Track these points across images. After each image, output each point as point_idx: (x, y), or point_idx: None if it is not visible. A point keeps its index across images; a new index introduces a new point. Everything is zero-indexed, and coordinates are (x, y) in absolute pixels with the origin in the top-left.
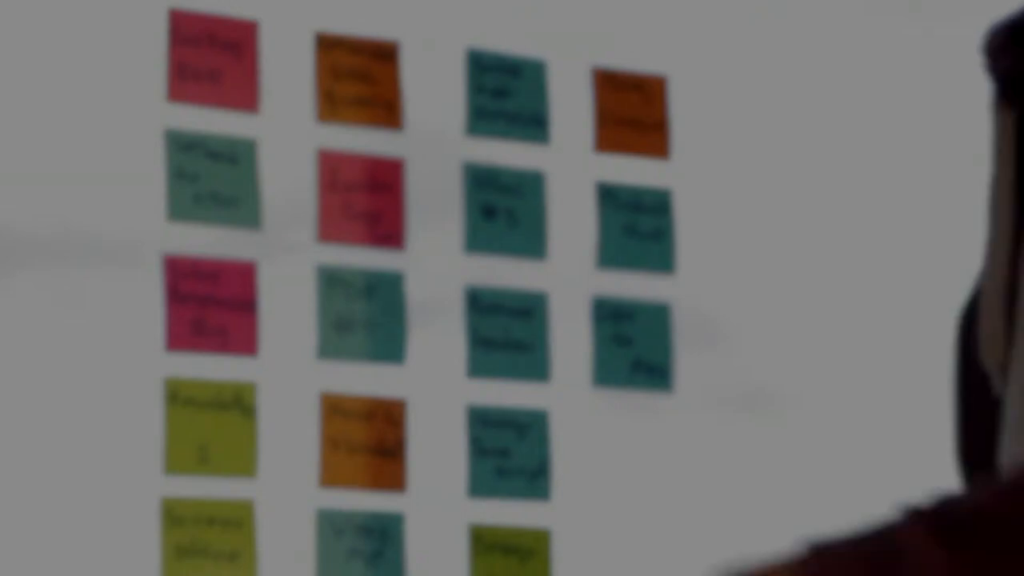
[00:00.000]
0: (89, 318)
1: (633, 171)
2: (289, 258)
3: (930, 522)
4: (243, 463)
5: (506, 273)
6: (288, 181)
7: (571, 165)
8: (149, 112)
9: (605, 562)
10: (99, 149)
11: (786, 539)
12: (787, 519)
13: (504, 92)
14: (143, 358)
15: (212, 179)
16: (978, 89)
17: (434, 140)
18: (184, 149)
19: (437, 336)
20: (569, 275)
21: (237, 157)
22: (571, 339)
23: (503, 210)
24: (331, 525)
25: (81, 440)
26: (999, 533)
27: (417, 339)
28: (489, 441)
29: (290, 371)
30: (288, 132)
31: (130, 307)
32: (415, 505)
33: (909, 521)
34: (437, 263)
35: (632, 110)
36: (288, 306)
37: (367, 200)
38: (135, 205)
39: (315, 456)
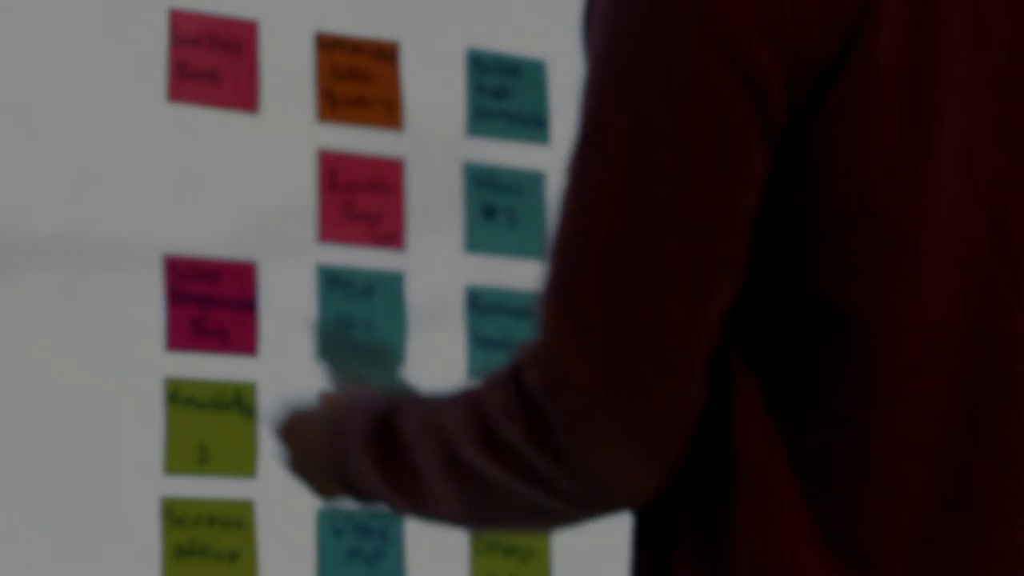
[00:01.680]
0: (89, 318)
1: None
2: (289, 258)
3: None
4: (243, 463)
5: (506, 273)
6: (288, 181)
7: None
8: (149, 112)
9: (605, 562)
10: (99, 149)
11: None
12: None
13: (504, 92)
14: (143, 358)
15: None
16: None
17: (434, 140)
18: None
19: (437, 336)
20: None
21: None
22: None
23: (503, 210)
24: (331, 525)
25: (81, 440)
26: None
27: (417, 339)
28: None
29: (290, 371)
30: (288, 132)
31: (130, 307)
32: None
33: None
34: (437, 263)
35: None
36: (288, 306)
37: (367, 200)
38: (135, 205)
39: None
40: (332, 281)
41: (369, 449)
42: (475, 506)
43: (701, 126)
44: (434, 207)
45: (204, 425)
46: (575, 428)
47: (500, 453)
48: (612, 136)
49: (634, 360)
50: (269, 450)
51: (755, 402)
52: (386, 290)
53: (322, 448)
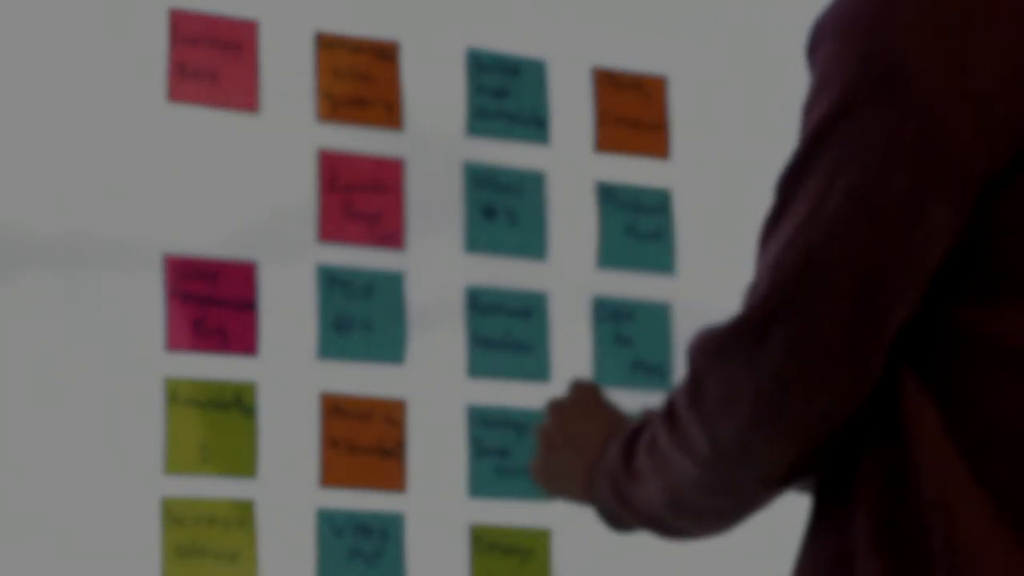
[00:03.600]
0: (89, 318)
1: (633, 171)
2: (289, 258)
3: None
4: (243, 463)
5: (506, 273)
6: (288, 181)
7: (571, 165)
8: (149, 112)
9: (605, 562)
10: (99, 149)
11: (784, 538)
12: (785, 518)
13: (504, 92)
14: (143, 358)
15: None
16: None
17: (434, 140)
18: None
19: (437, 336)
20: (569, 275)
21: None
22: (571, 339)
23: (503, 210)
24: (331, 525)
25: (81, 440)
26: None
27: (417, 339)
28: (489, 441)
29: (290, 371)
30: (288, 132)
31: (130, 307)
32: (415, 505)
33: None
34: (437, 263)
35: (632, 110)
36: (288, 306)
37: (367, 200)
38: (135, 205)
39: (315, 456)
40: (332, 281)
41: (621, 444)
42: (661, 488)
43: (895, 190)
44: (434, 207)
45: (204, 425)
46: (719, 395)
47: (671, 422)
48: (815, 176)
49: (781, 356)
50: (269, 450)
51: (932, 417)
52: (386, 290)
53: (589, 429)
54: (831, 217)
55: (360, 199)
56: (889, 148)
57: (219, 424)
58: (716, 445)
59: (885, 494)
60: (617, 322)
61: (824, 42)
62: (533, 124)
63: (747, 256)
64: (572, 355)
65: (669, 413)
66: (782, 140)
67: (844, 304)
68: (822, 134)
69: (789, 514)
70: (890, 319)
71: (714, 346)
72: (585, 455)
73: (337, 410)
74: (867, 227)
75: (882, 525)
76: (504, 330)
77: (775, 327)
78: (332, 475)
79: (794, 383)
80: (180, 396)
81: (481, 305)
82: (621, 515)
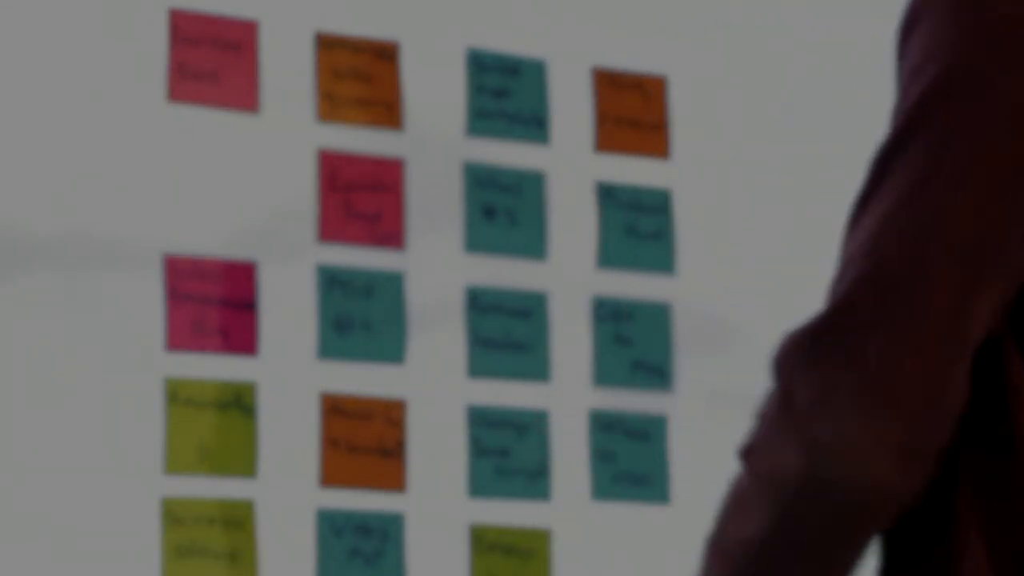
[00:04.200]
0: (89, 318)
1: (633, 171)
2: (289, 258)
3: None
4: (243, 463)
5: (506, 273)
6: (288, 181)
7: (571, 165)
8: (149, 112)
9: (605, 562)
10: (99, 149)
11: None
12: None
13: (504, 92)
14: (143, 358)
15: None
16: None
17: (434, 140)
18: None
19: (437, 336)
20: (569, 275)
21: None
22: (571, 339)
23: (503, 210)
24: (331, 525)
25: (81, 440)
26: None
27: (417, 339)
28: (489, 441)
29: (290, 371)
30: (288, 132)
31: (130, 307)
32: (415, 505)
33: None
34: (437, 263)
35: (632, 110)
36: (288, 306)
37: (367, 200)
38: (135, 205)
39: (315, 456)
40: (332, 281)
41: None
42: (732, 559)
43: (1007, 165)
44: (434, 207)
45: (204, 425)
46: (815, 396)
47: (749, 455)
48: (916, 155)
49: (883, 344)
50: (269, 450)
51: None
52: (386, 290)
53: None
54: (932, 197)
55: (360, 199)
56: (1002, 120)
57: (219, 424)
58: (813, 454)
59: (992, 481)
60: (617, 322)
61: (924, 18)
62: (533, 124)
63: (747, 256)
64: (572, 355)
65: (747, 450)
66: (782, 140)
67: (946, 286)
68: (924, 109)
69: None
70: (994, 299)
71: (802, 347)
72: None
73: (337, 410)
74: (972, 207)
75: (989, 518)
76: (504, 330)
77: (872, 316)
78: (332, 475)
79: (901, 372)
80: (180, 396)
81: (481, 305)
82: None
